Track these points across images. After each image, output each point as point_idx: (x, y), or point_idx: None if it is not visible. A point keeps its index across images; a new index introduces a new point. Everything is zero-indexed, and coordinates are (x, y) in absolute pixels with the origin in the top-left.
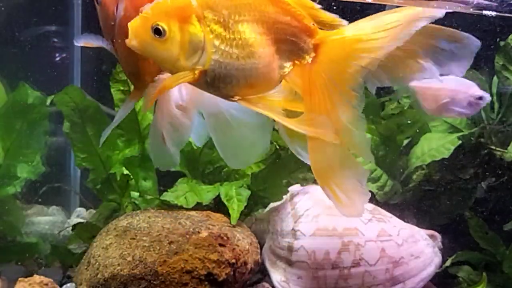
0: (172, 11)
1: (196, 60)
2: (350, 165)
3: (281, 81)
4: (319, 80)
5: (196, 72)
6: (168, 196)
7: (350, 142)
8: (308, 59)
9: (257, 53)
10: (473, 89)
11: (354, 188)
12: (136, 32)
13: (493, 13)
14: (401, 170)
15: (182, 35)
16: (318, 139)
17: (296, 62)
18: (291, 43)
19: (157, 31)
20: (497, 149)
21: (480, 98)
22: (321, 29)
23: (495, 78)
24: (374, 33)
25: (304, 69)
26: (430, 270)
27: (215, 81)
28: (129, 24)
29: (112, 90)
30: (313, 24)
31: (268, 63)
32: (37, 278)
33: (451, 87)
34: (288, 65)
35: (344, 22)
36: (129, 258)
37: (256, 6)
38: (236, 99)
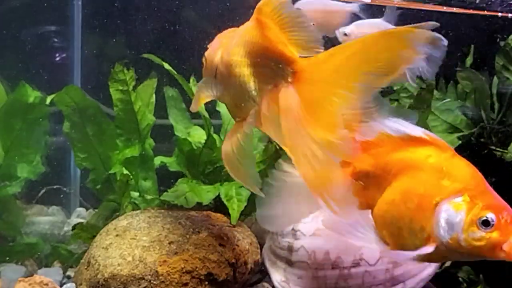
0: (214, 43)
1: (214, 82)
2: (337, 177)
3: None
4: (293, 104)
5: None
6: (168, 196)
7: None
8: (285, 84)
9: (233, 72)
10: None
11: (342, 197)
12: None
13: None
14: None
15: (207, 62)
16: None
17: (274, 86)
18: (268, 67)
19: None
20: (497, 149)
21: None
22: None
23: (495, 78)
24: (348, 60)
25: (279, 93)
26: (430, 270)
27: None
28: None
29: (111, 90)
30: (292, 53)
31: (243, 82)
32: (37, 278)
33: None
34: (267, 88)
35: (321, 48)
36: (129, 258)
37: (244, 34)
38: (236, 120)
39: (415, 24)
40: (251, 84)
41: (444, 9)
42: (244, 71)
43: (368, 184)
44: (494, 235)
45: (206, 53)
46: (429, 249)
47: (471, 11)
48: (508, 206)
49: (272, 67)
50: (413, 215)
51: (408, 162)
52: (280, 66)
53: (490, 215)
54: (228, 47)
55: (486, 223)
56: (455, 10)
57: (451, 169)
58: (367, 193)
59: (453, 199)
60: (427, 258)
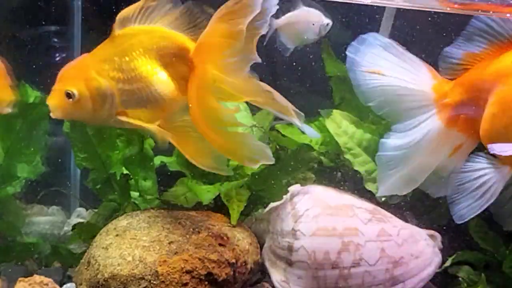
0: (75, 75)
1: (109, 106)
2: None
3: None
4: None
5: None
6: (168, 196)
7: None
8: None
9: (153, 80)
10: (322, 18)
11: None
12: (54, 104)
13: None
14: None
15: (90, 91)
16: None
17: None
18: (177, 63)
19: (69, 95)
20: None
21: (327, 24)
22: None
23: None
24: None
25: (189, 82)
26: (430, 270)
27: (129, 114)
28: (47, 101)
29: None
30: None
31: (166, 85)
32: (37, 278)
33: (305, 18)
34: (184, 83)
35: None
36: (129, 258)
37: (139, 43)
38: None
39: None
40: (171, 85)
41: (448, 10)
42: (160, 76)
43: (469, 112)
44: None
45: (78, 93)
46: None
47: (473, 11)
48: None
49: (177, 62)
50: None
51: (497, 73)
52: (183, 57)
53: None
54: (109, 70)
55: None
56: (460, 11)
57: None
58: (472, 122)
59: None
60: None
